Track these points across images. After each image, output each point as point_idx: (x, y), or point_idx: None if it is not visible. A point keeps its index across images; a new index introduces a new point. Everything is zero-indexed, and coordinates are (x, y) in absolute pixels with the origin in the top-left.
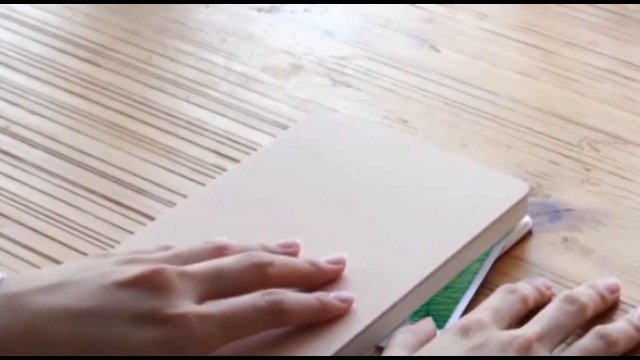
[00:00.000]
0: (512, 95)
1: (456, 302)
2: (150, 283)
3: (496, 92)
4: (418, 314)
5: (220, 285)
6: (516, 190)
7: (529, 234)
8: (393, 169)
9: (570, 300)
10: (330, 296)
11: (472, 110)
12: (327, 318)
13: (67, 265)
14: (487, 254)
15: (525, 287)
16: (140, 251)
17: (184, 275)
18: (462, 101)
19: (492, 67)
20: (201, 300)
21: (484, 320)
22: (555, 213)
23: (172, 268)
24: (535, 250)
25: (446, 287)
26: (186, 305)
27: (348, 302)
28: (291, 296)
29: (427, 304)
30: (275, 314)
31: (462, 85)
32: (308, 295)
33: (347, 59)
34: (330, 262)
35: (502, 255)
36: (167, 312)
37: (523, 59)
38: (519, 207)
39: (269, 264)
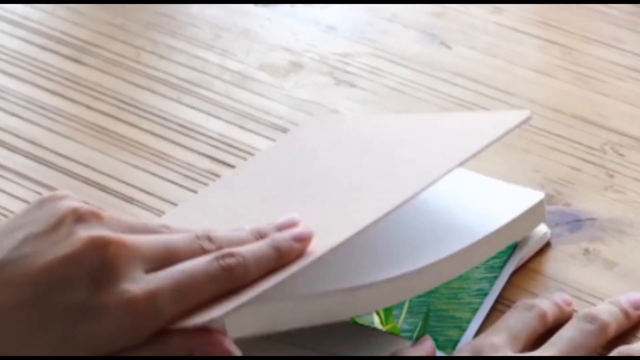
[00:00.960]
0: (528, 96)
1: (468, 320)
2: (96, 258)
3: (512, 92)
4: (429, 331)
5: (169, 261)
6: (531, 197)
7: (547, 245)
8: None
9: (590, 318)
10: (286, 236)
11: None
12: (286, 262)
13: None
14: (501, 268)
15: (544, 303)
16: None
17: (131, 248)
18: (475, 102)
19: (508, 65)
20: (148, 272)
21: (497, 343)
22: (575, 223)
23: (117, 237)
24: (555, 263)
25: (457, 304)
26: (134, 282)
27: (306, 239)
28: (246, 254)
29: (438, 322)
30: (231, 278)
31: (475, 84)
32: (262, 244)
33: (350, 56)
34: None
35: (518, 269)
36: (114, 299)
37: (541, 56)
38: (534, 213)
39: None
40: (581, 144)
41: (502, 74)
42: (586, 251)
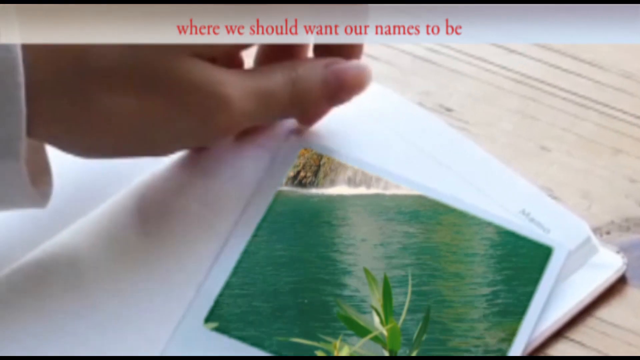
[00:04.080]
0: (622, 68)
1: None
2: None
3: (597, 63)
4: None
5: None
6: None
7: (630, 287)
8: None
9: None
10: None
11: (558, 92)
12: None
13: None
14: (525, 306)
15: None
16: None
17: None
18: (541, 77)
19: None
20: None
21: None
22: None
23: None
24: None
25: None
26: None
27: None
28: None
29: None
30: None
31: (540, 51)
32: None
33: None
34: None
35: (588, 319)
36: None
37: None
38: None
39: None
40: None
41: None
42: None
